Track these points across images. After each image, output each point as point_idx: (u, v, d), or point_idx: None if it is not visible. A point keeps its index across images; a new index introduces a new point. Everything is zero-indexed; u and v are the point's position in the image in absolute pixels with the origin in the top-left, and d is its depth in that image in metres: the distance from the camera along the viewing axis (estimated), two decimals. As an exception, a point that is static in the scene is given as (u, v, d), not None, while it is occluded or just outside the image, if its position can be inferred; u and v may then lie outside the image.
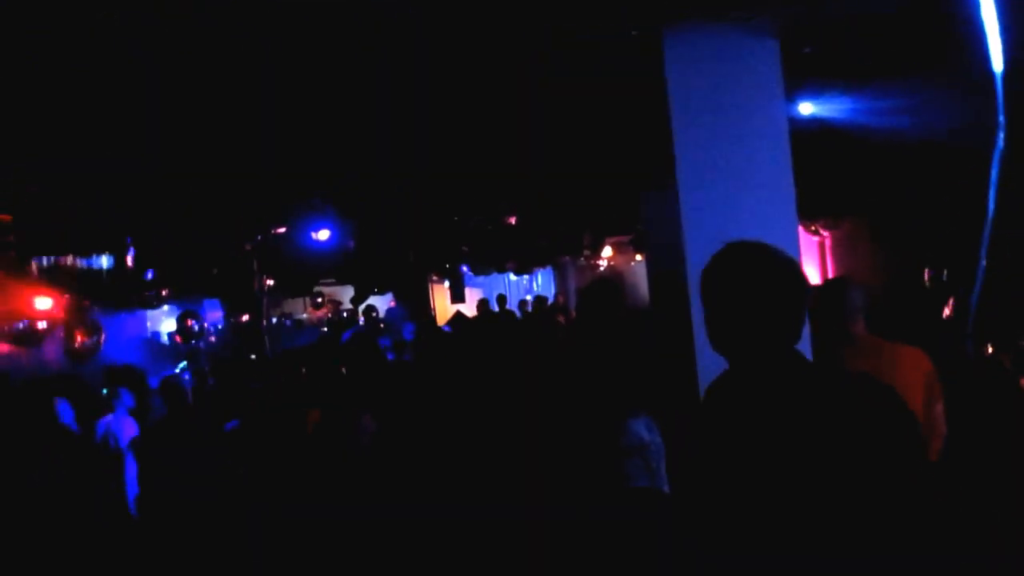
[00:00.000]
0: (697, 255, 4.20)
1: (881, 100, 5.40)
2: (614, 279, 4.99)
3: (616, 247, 14.62)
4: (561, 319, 10.05)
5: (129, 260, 6.84)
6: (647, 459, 3.46)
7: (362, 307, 14.49)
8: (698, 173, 4.15)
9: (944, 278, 8.57)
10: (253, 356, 9.83)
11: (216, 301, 10.57)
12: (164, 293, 8.41)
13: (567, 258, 15.20)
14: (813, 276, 11.15)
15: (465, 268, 13.39)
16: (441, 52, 3.84)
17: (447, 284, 15.82)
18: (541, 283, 20.26)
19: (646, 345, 4.64)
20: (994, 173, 1.56)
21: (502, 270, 14.36)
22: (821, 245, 11.51)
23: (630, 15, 3.65)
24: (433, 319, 12.05)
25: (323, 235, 8.29)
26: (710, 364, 3.90)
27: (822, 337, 3.71)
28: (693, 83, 4.13)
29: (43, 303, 8.49)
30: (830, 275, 11.38)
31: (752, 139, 4.19)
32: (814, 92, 5.45)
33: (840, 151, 6.04)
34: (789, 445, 1.63)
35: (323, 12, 3.29)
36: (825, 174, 6.59)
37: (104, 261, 6.77)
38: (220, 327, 11.31)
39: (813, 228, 10.86)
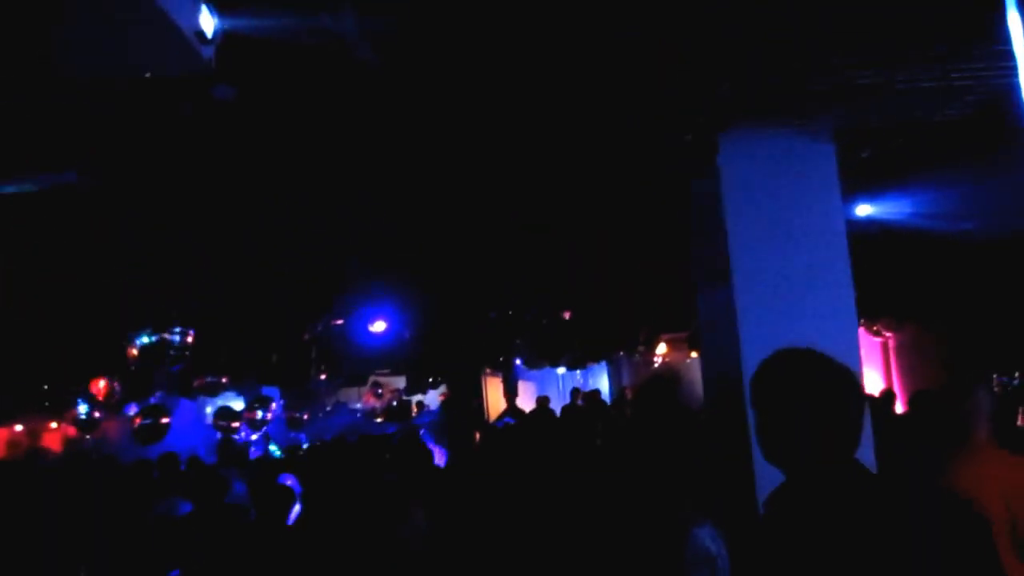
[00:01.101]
0: (753, 357, 4.12)
1: (942, 201, 5.35)
2: (670, 376, 4.91)
3: (671, 343, 14.44)
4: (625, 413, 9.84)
5: (189, 338, 7.06)
6: (714, 571, 3.27)
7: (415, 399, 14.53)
8: (753, 274, 4.13)
9: (1016, 383, 8.19)
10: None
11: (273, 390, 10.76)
12: (224, 381, 8.61)
13: (621, 353, 15.05)
14: (875, 379, 10.77)
15: (519, 362, 13.36)
16: (507, 151, 3.97)
17: (501, 377, 15.81)
18: (593, 379, 20.04)
19: (703, 446, 4.52)
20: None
21: (555, 364, 14.28)
22: (884, 346, 11.17)
23: (685, 123, 3.74)
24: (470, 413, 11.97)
25: (379, 327, 8.44)
26: (769, 470, 3.80)
27: (933, 441, 3.46)
28: (748, 185, 4.17)
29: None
30: (894, 377, 10.98)
31: (809, 240, 4.18)
32: (873, 194, 5.43)
33: (901, 252, 5.95)
34: (851, 565, 1.55)
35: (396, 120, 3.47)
36: (886, 275, 6.47)
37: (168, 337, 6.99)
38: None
39: (875, 329, 10.58)
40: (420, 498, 2.94)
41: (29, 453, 8.98)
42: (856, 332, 4.25)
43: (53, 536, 4.35)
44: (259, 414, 9.87)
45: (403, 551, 2.73)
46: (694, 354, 14.35)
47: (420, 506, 2.87)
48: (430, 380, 13.35)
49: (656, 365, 15.85)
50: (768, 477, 3.91)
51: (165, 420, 9.04)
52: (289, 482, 4.91)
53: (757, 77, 3.34)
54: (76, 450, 9.37)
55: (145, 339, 6.76)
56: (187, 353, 7.01)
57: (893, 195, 5.28)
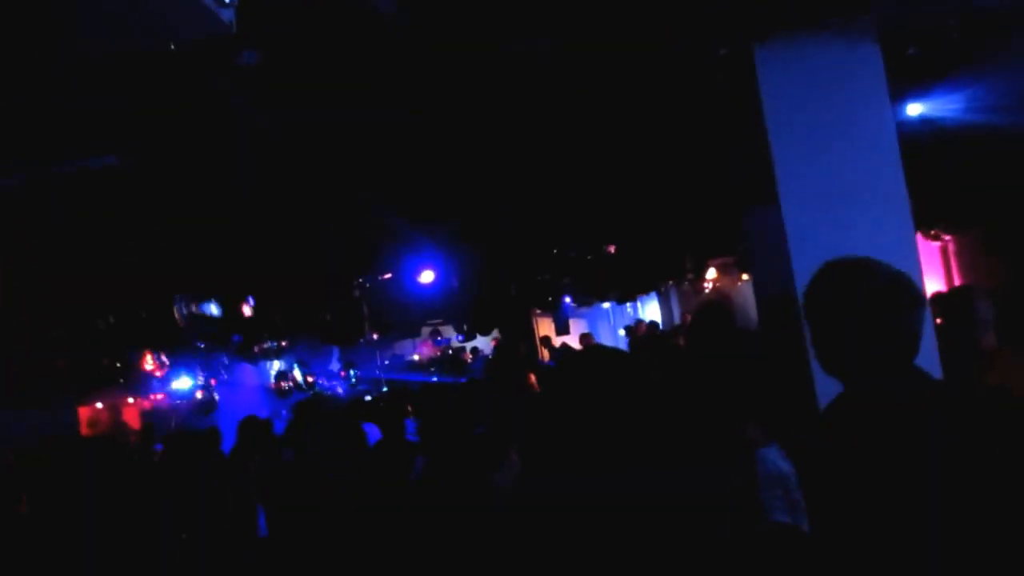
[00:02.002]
0: (805, 274, 4.03)
1: (997, 94, 5.08)
2: (722, 302, 4.85)
3: (720, 268, 14.24)
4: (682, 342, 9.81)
5: (247, 310, 7.23)
6: (788, 490, 3.28)
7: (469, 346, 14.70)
8: (802, 187, 4.01)
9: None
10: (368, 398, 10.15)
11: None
12: (283, 344, 8.84)
13: (671, 282, 14.94)
14: (936, 285, 10.49)
15: (567, 300, 13.37)
16: (537, 85, 3.90)
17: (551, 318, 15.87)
18: (646, 310, 19.99)
19: (761, 369, 4.48)
20: None
21: (603, 299, 14.26)
22: (944, 250, 10.84)
23: (718, 34, 3.59)
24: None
25: (427, 277, 8.50)
26: (829, 386, 3.76)
27: (948, 352, 3.46)
28: (789, 96, 4.01)
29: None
30: (956, 283, 10.69)
31: (858, 148, 4.03)
32: (923, 93, 5.18)
33: (956, 153, 5.70)
34: (917, 472, 1.53)
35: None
36: (942, 178, 6.23)
37: (214, 308, 7.15)
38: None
39: (933, 233, 10.24)
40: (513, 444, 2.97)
41: (114, 429, 9.42)
42: (914, 240, 4.11)
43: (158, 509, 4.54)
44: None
45: (501, 497, 2.77)
46: (745, 277, 14.19)
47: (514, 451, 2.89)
48: (480, 326, 13.46)
49: (707, 291, 15.71)
50: (829, 393, 3.89)
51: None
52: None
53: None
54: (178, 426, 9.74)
55: (207, 309, 6.92)
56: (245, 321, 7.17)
57: (945, 92, 5.04)
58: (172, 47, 2.37)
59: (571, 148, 5.41)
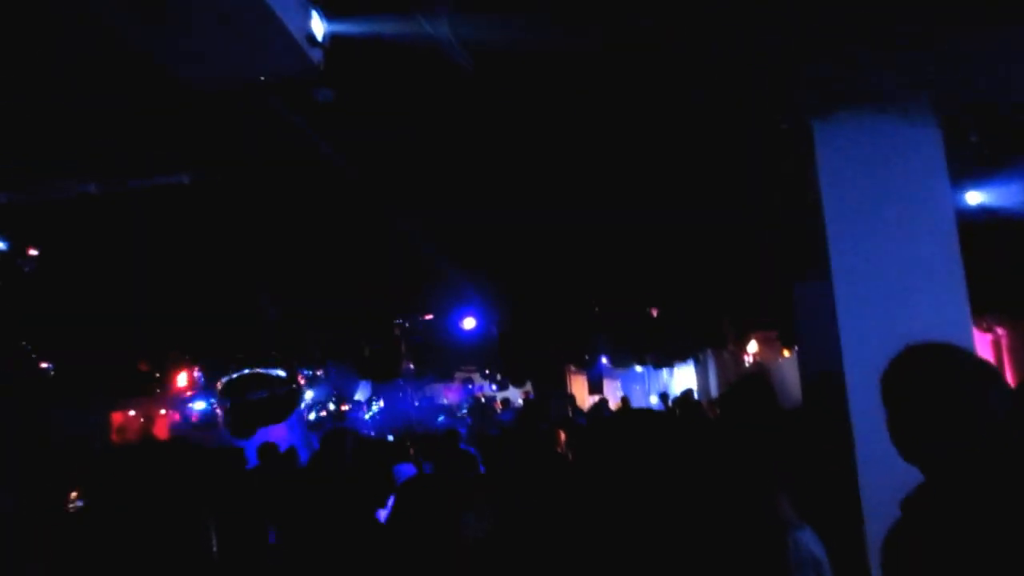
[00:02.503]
0: (855, 354, 3.97)
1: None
2: (764, 375, 4.77)
3: (762, 341, 14.03)
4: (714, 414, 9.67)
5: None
6: (821, 574, 3.16)
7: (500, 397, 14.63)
8: (854, 267, 3.96)
9: None
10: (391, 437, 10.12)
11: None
12: (319, 374, 8.93)
13: (709, 351, 14.75)
14: (987, 378, 10.18)
15: (603, 359, 13.29)
16: (596, 144, 3.96)
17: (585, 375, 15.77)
18: (680, 377, 19.72)
19: (801, 447, 4.37)
20: None
21: (642, 362, 14.13)
22: (996, 344, 10.54)
23: (780, 110, 3.62)
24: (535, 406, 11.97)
25: (469, 323, 8.54)
26: (875, 472, 3.64)
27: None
28: (848, 174, 4.00)
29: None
30: (1008, 377, 10.35)
31: (915, 230, 3.98)
32: (984, 180, 5.13)
33: (1015, 242, 5.59)
34: (1004, 565, 1.47)
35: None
36: (999, 267, 6.10)
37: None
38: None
39: (986, 324, 9.99)
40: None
41: (143, 438, 9.53)
42: (970, 328, 4.03)
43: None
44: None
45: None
46: (786, 352, 13.94)
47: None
48: (514, 377, 13.43)
49: (747, 363, 15.45)
50: (874, 479, 3.75)
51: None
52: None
53: (851, 54, 3.20)
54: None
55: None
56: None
57: (1006, 181, 4.97)
58: (262, 79, 2.48)
59: (625, 208, 5.44)
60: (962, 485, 1.60)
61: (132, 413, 10.23)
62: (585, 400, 15.19)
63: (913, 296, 3.89)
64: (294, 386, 7.53)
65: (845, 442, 3.89)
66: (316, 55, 2.41)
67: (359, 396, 10.63)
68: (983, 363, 1.67)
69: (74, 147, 3.85)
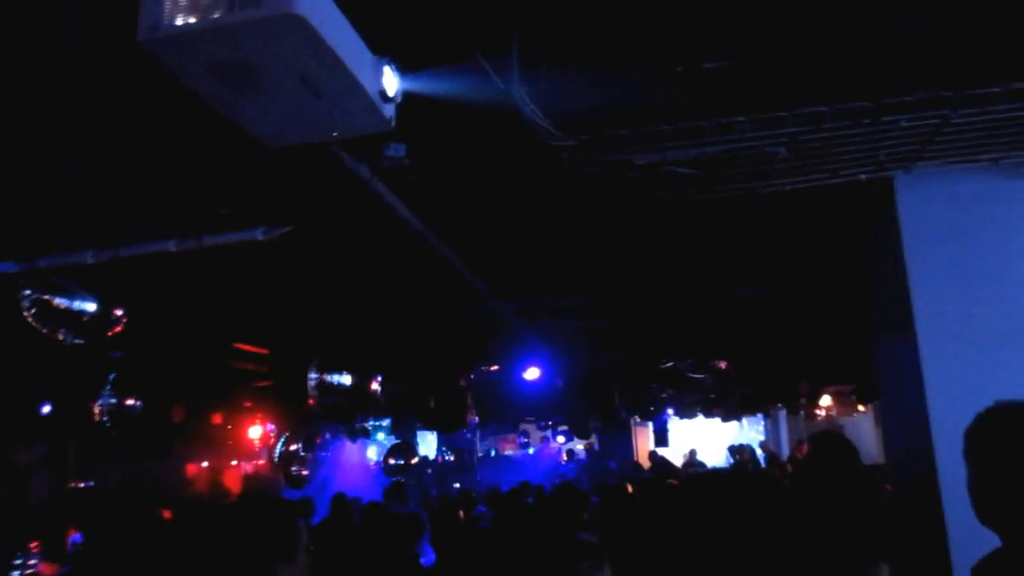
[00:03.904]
0: (941, 412, 3.78)
1: None
2: (840, 434, 4.57)
3: (836, 397, 13.54)
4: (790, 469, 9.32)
5: (375, 386, 7.41)
6: None
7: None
8: (939, 324, 3.80)
9: None
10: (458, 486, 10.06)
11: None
12: (384, 424, 8.99)
13: (779, 406, 14.30)
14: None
15: (670, 412, 13.02)
16: (673, 201, 3.93)
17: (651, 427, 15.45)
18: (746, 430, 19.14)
19: (884, 508, 4.16)
20: None
21: (709, 416, 13.78)
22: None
23: (861, 163, 3.53)
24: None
25: (533, 374, 8.49)
26: (965, 535, 3.42)
27: None
28: (931, 227, 3.87)
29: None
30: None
31: (1003, 286, 3.80)
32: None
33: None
34: None
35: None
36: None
37: (346, 379, 7.33)
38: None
39: (1081, 384, 9.42)
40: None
41: (213, 489, 9.72)
42: (1063, 389, 3.79)
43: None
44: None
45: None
46: (861, 408, 13.41)
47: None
48: (578, 430, 13.25)
49: (819, 418, 14.92)
50: (964, 542, 3.53)
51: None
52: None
53: (940, 110, 3.10)
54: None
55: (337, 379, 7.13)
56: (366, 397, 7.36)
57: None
58: (335, 135, 2.55)
59: (699, 260, 5.37)
60: None
61: (204, 464, 10.46)
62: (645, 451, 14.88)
63: (1000, 352, 3.70)
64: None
65: (931, 501, 3.69)
66: (388, 111, 2.46)
67: (424, 450, 10.64)
68: None
69: (155, 205, 4.03)
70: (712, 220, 4.45)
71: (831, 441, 4.19)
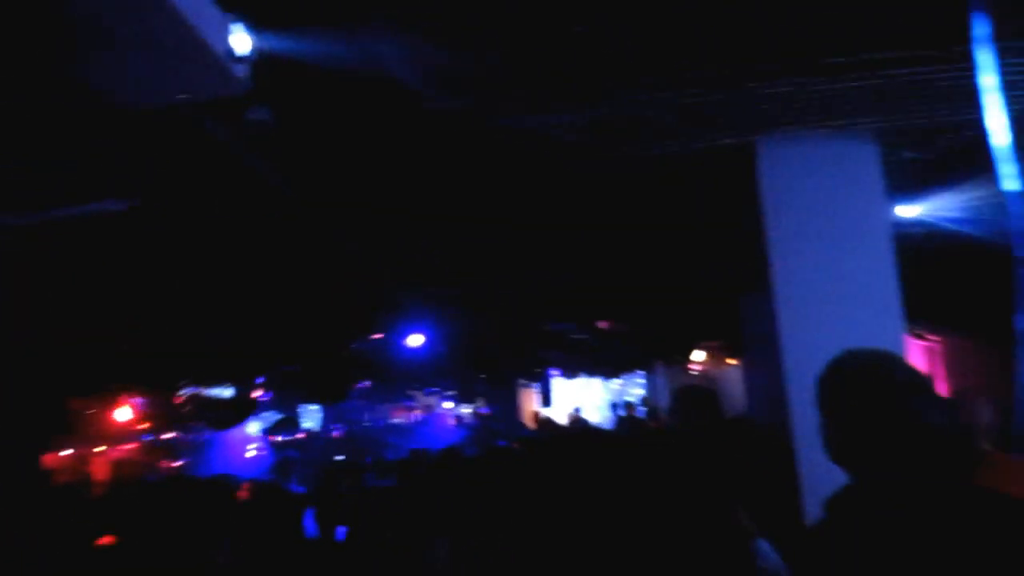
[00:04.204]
0: (796, 365, 4.05)
1: (988, 206, 5.18)
2: (707, 386, 4.82)
3: (709, 352, 14.28)
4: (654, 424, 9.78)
5: (257, 393, 7.21)
6: None
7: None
8: (795, 281, 4.06)
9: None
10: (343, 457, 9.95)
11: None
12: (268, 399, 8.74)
13: (659, 362, 14.94)
14: (924, 384, 10.52)
15: (555, 372, 13.34)
16: (543, 165, 3.96)
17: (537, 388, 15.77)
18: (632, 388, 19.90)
19: (750, 457, 4.43)
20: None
21: (593, 375, 14.22)
22: (930, 352, 10.90)
23: (725, 128, 3.67)
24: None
25: (416, 341, 8.45)
26: (816, 479, 3.70)
27: (948, 454, 3.41)
28: (789, 188, 4.10)
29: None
30: (942, 386, 10.69)
31: (853, 243, 4.09)
32: (920, 195, 5.29)
33: (950, 255, 5.78)
34: (926, 570, 1.49)
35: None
36: (935, 279, 6.30)
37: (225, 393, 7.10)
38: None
39: (920, 333, 10.32)
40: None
41: (80, 477, 9.17)
42: (903, 337, 4.14)
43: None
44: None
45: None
46: (732, 361, 14.20)
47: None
48: (464, 394, 13.38)
49: (693, 373, 15.70)
50: (816, 486, 3.80)
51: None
52: None
53: (794, 79, 3.28)
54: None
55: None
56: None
57: (940, 197, 5.14)
58: (183, 97, 2.40)
59: (572, 223, 5.46)
60: (884, 489, 1.62)
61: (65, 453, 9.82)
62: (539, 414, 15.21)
63: (850, 308, 3.99)
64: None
65: (787, 448, 3.96)
66: (240, 71, 2.34)
67: (309, 423, 10.39)
68: (914, 372, 1.68)
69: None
70: (589, 184, 4.53)
71: (690, 393, 4.42)
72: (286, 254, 5.18)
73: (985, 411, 3.43)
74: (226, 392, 7.03)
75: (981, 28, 1.46)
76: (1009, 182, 1.60)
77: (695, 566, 2.35)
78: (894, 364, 1.68)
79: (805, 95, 3.45)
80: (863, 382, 1.67)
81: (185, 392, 6.64)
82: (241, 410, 6.96)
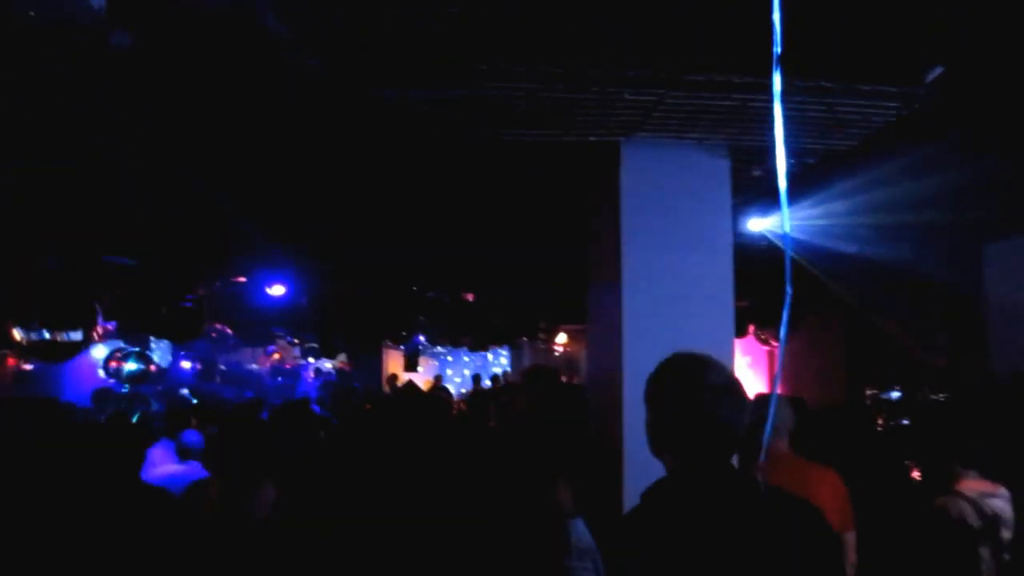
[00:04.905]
0: (633, 355, 4.30)
1: (832, 221, 5.63)
2: (549, 368, 5.04)
3: (571, 334, 14.77)
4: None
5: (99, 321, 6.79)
6: (597, 563, 3.34)
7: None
8: (641, 276, 4.29)
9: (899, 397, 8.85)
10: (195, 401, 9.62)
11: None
12: (110, 329, 8.32)
13: (524, 339, 15.29)
14: (760, 386, 11.34)
15: (421, 338, 13.38)
16: (418, 152, 3.97)
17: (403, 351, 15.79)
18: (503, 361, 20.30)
19: (579, 437, 4.66)
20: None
21: (458, 345, 14.36)
22: (770, 354, 11.75)
23: (590, 126, 3.84)
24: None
25: (277, 290, 8.28)
26: (637, 468, 3.96)
27: (745, 450, 3.72)
28: (645, 190, 4.32)
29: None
30: (777, 385, 11.55)
31: (697, 248, 4.36)
32: (765, 210, 5.70)
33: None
34: (721, 562, 1.69)
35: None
36: (774, 287, 6.78)
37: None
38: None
39: (763, 337, 11.11)
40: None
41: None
42: (731, 339, 4.48)
43: None
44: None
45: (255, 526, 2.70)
46: (593, 346, 14.76)
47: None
48: (325, 348, 13.22)
49: (556, 353, 16.20)
50: (637, 473, 4.05)
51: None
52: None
53: (657, 89, 3.47)
54: None
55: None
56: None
57: (782, 212, 5.54)
58: (32, 15, 2.28)
59: (449, 197, 5.51)
60: (691, 483, 1.80)
61: None
62: (401, 378, 15.27)
63: (687, 306, 4.27)
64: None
65: (616, 435, 4.22)
66: (97, 2, 2.25)
67: (156, 359, 9.93)
68: (726, 376, 1.86)
69: None
70: (462, 161, 4.60)
71: (537, 372, 4.61)
72: (143, 188, 4.95)
73: (786, 412, 3.72)
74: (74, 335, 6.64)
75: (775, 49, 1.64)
76: (785, 223, 1.82)
77: (502, 541, 2.49)
78: (708, 368, 1.86)
79: (665, 106, 3.65)
80: (676, 382, 1.86)
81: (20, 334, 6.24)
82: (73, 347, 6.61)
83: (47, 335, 6.43)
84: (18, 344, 6.56)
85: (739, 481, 1.84)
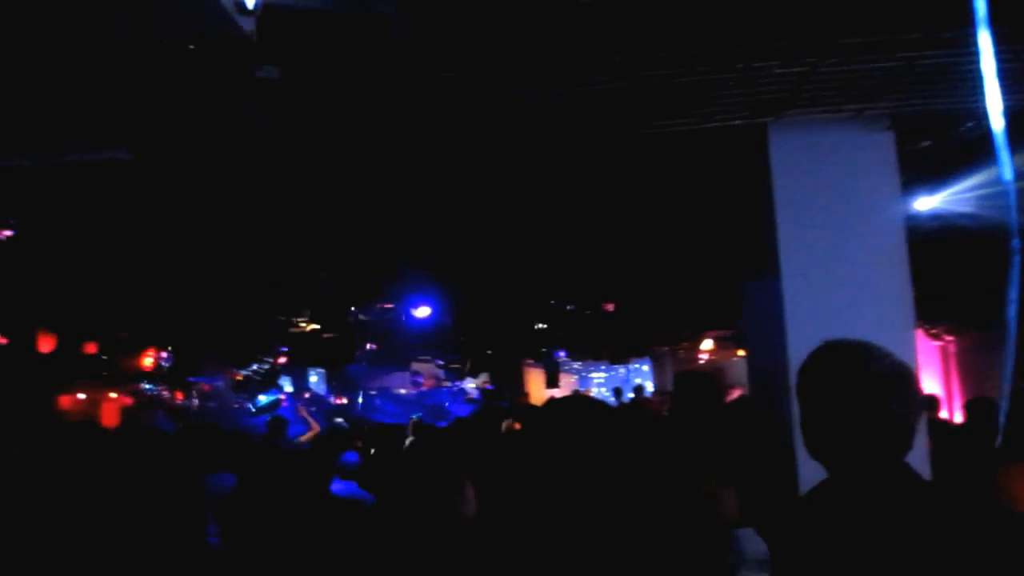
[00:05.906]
0: (800, 356, 3.97)
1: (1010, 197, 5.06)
2: (708, 373, 4.79)
3: (717, 341, 14.21)
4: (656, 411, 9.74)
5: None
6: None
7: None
8: (803, 269, 3.99)
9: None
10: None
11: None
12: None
13: (666, 349, 14.89)
14: (933, 386, 10.41)
15: (561, 353, 13.32)
16: (550, 144, 3.90)
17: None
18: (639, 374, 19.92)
19: (747, 446, 4.40)
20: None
21: (598, 358, 14.20)
22: (944, 351, 10.78)
23: (735, 108, 3.61)
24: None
25: (423, 312, 8.46)
26: (813, 471, 3.67)
27: (987, 451, 3.34)
28: (799, 175, 4.02)
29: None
30: (953, 384, 10.59)
31: (864, 235, 4.01)
32: (936, 187, 5.18)
33: (965, 251, 5.67)
34: (894, 571, 1.46)
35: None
36: (949, 275, 6.18)
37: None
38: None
39: (934, 332, 10.20)
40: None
41: (86, 421, 9.27)
42: (913, 334, 4.07)
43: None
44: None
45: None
46: (741, 352, 14.14)
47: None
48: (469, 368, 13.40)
49: (701, 362, 15.65)
50: (812, 479, 3.78)
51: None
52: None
53: (808, 58, 3.19)
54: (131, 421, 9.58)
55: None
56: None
57: (958, 189, 5.02)
58: (191, 47, 2.37)
59: (583, 204, 5.42)
60: (851, 486, 1.59)
61: (81, 396, 9.92)
62: (542, 394, 15.24)
63: (859, 301, 3.92)
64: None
65: (787, 440, 3.92)
66: (247, 24, 2.31)
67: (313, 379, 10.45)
68: (895, 367, 1.60)
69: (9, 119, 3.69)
70: (596, 163, 4.48)
71: (692, 378, 4.39)
72: (292, 220, 5.17)
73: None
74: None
75: (980, 8, 1.41)
76: (1006, 170, 1.54)
77: (660, 551, 2.32)
78: (869, 355, 1.61)
79: (818, 76, 3.36)
80: (832, 372, 1.62)
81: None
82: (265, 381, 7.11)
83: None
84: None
85: (912, 486, 1.57)
